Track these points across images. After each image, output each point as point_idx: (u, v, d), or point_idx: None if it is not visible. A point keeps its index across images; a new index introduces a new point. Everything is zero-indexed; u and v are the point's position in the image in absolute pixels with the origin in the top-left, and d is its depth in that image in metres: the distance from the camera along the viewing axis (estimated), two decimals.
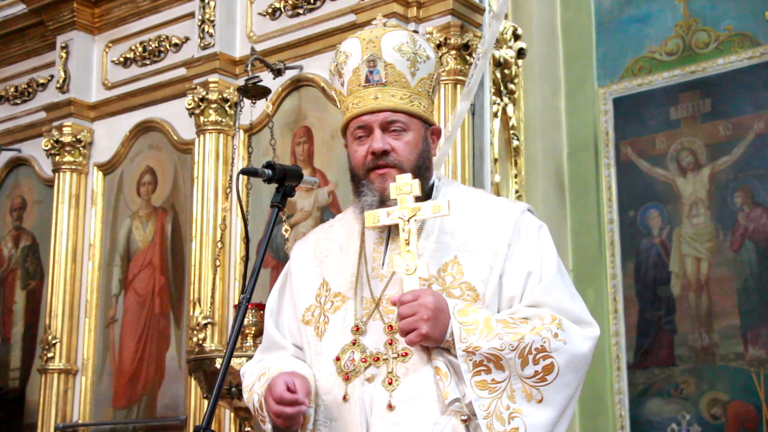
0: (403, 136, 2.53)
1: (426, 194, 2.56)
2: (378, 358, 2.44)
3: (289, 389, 2.44)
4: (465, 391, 2.34)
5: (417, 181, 2.46)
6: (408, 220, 2.46)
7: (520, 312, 2.43)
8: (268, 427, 2.54)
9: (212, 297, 4.93)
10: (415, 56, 2.56)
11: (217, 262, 4.93)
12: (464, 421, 2.34)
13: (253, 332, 4.48)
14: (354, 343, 2.50)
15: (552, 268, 2.48)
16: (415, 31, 4.48)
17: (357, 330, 2.51)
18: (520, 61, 5.07)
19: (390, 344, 2.43)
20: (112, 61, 5.88)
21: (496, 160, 4.77)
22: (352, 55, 2.58)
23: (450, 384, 2.35)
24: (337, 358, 2.51)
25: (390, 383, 2.40)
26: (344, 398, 2.47)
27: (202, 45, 5.29)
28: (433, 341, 2.36)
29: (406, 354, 2.41)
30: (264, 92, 4.90)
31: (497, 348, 2.33)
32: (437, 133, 2.65)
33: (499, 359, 2.33)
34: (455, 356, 2.35)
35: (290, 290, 2.72)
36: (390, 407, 2.39)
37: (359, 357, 2.47)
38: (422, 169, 2.53)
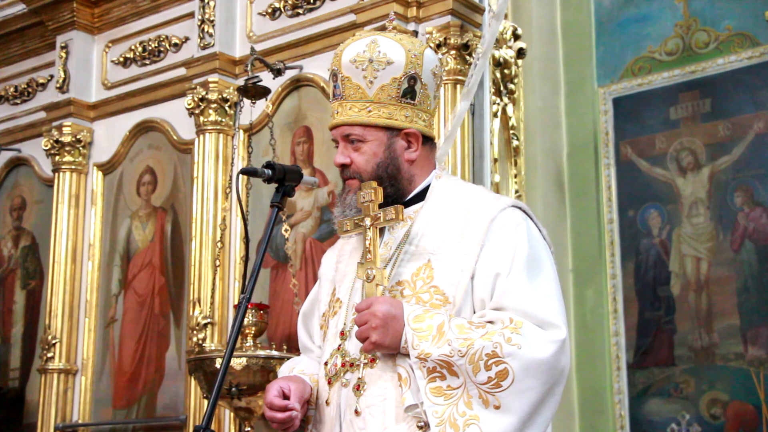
0: (360, 147, 2.55)
1: (419, 196, 2.59)
2: (353, 364, 2.47)
3: (284, 394, 2.49)
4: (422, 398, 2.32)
5: (380, 189, 2.48)
6: (369, 228, 2.49)
7: (485, 316, 2.38)
8: None
9: (212, 297, 4.93)
10: (371, 64, 2.53)
11: (217, 262, 4.93)
12: (420, 428, 2.32)
13: (253, 332, 4.48)
14: (339, 348, 2.53)
15: (519, 268, 2.40)
16: (415, 32, 4.51)
17: (342, 335, 2.54)
18: (519, 61, 5.07)
19: (362, 350, 2.44)
20: (112, 61, 5.88)
21: (495, 160, 4.76)
22: (330, 70, 2.64)
23: (408, 390, 2.34)
24: (326, 363, 2.56)
25: (358, 389, 2.42)
26: (327, 402, 2.52)
27: (201, 45, 5.29)
28: (387, 348, 2.37)
29: (374, 360, 2.42)
30: (264, 92, 4.90)
31: (446, 354, 2.29)
32: (415, 136, 2.57)
33: (450, 366, 2.30)
34: None
35: (318, 295, 2.78)
36: (357, 413, 2.41)
37: (340, 362, 2.50)
38: (385, 177, 2.53)
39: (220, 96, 5.17)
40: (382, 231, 2.56)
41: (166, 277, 5.38)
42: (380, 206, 2.49)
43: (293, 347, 4.38)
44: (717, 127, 5.09)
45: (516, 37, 5.04)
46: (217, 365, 4.34)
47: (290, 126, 5.06)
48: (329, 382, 2.51)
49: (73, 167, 5.79)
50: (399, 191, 2.56)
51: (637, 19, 5.42)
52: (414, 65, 2.56)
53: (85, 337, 5.60)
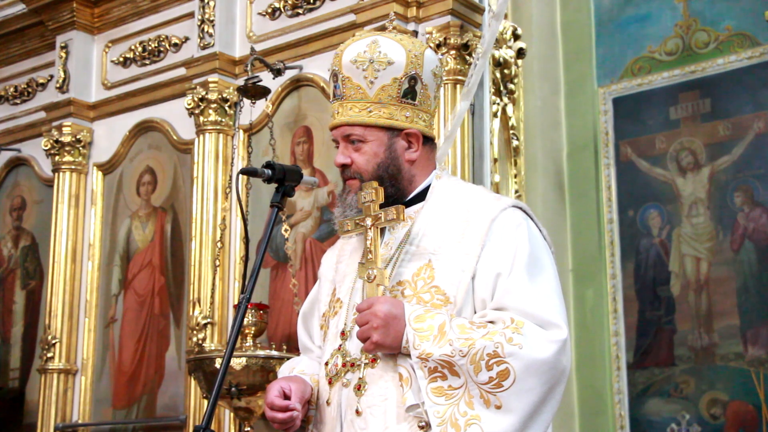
0: (361, 147, 2.55)
1: (419, 196, 2.59)
2: (354, 364, 2.47)
3: (285, 394, 2.50)
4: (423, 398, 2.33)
5: (381, 189, 2.49)
6: (370, 228, 2.49)
7: (486, 316, 2.39)
8: None
9: (212, 297, 4.93)
10: (372, 64, 2.54)
11: (217, 262, 4.93)
12: (422, 427, 2.33)
13: (252, 332, 4.48)
14: (339, 348, 2.53)
15: (520, 268, 2.41)
16: (415, 32, 4.51)
17: (343, 335, 2.54)
18: (519, 61, 5.07)
19: (363, 351, 2.45)
20: (112, 61, 5.88)
21: (495, 160, 4.76)
22: (330, 70, 2.64)
23: (409, 390, 2.34)
24: (326, 363, 2.56)
25: (358, 389, 2.43)
26: (327, 402, 2.52)
27: (201, 45, 5.29)
28: (388, 348, 2.37)
29: (375, 360, 2.43)
30: (264, 92, 4.90)
31: (448, 354, 2.30)
32: (415, 136, 2.58)
33: (452, 366, 2.30)
34: None
35: (318, 295, 2.78)
36: (358, 413, 2.41)
37: (341, 362, 2.50)
38: (385, 178, 2.54)
39: (220, 96, 5.17)
40: (382, 231, 2.56)
41: (166, 277, 5.38)
42: (381, 206, 2.50)
43: (293, 347, 4.38)
44: (717, 127, 5.09)
45: (516, 37, 5.04)
46: (217, 365, 4.34)
47: (290, 126, 5.06)
48: (330, 382, 2.51)
49: (73, 167, 5.79)
50: (399, 191, 2.57)
51: (637, 19, 5.41)
52: (414, 65, 2.57)
53: (85, 337, 5.60)
